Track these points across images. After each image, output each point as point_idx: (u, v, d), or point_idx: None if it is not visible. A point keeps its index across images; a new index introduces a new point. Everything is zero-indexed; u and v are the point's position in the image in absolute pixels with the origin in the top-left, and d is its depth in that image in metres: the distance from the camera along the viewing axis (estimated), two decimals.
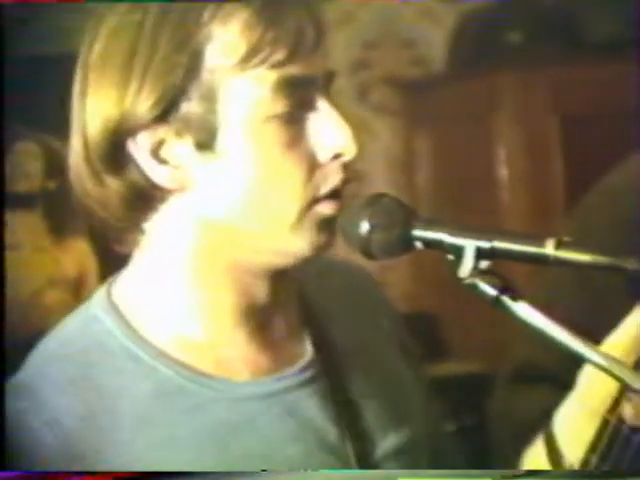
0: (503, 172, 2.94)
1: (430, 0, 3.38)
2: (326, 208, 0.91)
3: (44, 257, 2.85)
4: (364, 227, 0.89)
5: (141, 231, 0.94)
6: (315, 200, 0.91)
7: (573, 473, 0.97)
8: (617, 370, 0.83)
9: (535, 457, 1.03)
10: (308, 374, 0.96)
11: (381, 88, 3.37)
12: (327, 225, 0.92)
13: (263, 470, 0.94)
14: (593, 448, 0.96)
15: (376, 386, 1.01)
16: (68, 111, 0.95)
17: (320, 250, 0.93)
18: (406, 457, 0.99)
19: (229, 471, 0.92)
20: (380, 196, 0.91)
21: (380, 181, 3.25)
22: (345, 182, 0.92)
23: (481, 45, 3.05)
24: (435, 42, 3.33)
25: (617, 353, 0.94)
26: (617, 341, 0.97)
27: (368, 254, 0.90)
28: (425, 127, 3.27)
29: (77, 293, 2.85)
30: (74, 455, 0.88)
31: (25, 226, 2.86)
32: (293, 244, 0.92)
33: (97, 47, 0.91)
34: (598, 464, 0.95)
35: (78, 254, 2.84)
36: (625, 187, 1.43)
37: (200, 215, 0.92)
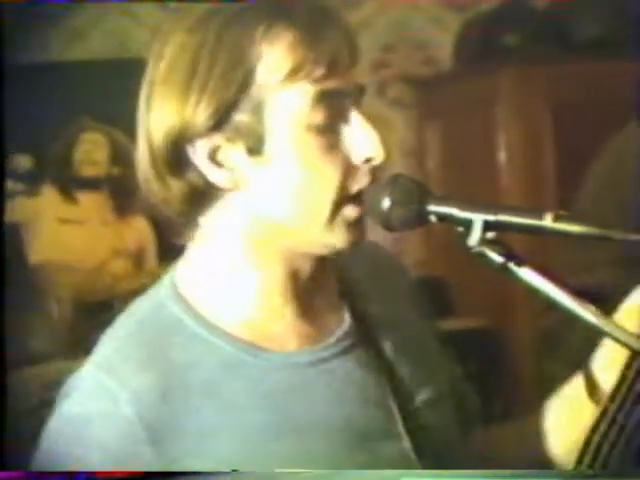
0: (503, 157, 2.91)
1: (439, 8, 3.35)
2: (352, 212, 0.90)
3: (109, 231, 2.85)
4: (385, 203, 0.88)
5: (197, 225, 0.93)
6: (345, 198, 0.90)
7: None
8: (618, 334, 0.81)
9: (575, 386, 0.99)
10: (347, 342, 0.95)
11: (397, 85, 3.34)
12: (355, 225, 0.91)
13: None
14: (612, 399, 0.93)
15: (406, 347, 0.99)
16: (131, 109, 0.93)
17: (352, 244, 0.92)
18: (437, 405, 0.98)
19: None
20: (399, 176, 0.90)
21: (396, 167, 3.19)
22: (373, 182, 0.91)
23: (483, 47, 3.03)
24: (443, 44, 3.29)
25: (631, 318, 0.91)
26: (630, 307, 0.93)
27: (389, 227, 0.89)
28: (435, 119, 3.24)
29: (138, 264, 2.85)
30: (151, 426, 0.86)
31: (93, 204, 2.86)
32: (329, 239, 0.90)
33: (162, 64, 0.90)
34: (614, 414, 0.92)
35: (139, 230, 2.84)
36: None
37: (252, 211, 0.90)
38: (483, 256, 0.83)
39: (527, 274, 0.82)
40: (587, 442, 0.92)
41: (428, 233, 3.01)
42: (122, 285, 2.65)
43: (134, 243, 2.84)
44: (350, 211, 0.90)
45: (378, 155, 0.90)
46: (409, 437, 0.93)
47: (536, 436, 1.02)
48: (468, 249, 0.83)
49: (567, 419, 0.99)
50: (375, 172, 0.91)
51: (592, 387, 0.96)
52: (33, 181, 2.81)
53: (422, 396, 0.97)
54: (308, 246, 0.91)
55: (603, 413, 0.92)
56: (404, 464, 0.93)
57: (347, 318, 0.97)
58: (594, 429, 0.92)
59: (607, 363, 0.95)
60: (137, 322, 0.93)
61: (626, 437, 0.91)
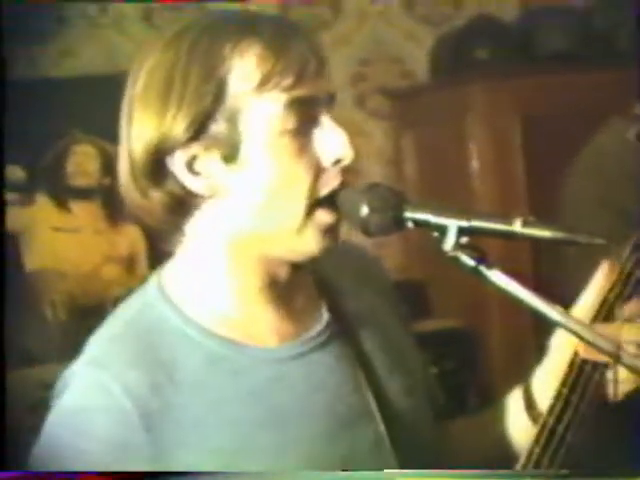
0: (474, 165, 2.92)
1: (413, 24, 3.35)
2: (326, 216, 0.90)
3: (102, 238, 2.84)
4: (364, 210, 0.88)
5: (182, 233, 0.93)
6: (317, 202, 0.89)
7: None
8: (585, 334, 0.82)
9: (514, 401, 1.01)
10: (324, 336, 0.95)
11: (375, 97, 3.34)
12: (329, 231, 0.91)
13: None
14: (564, 383, 0.94)
15: (381, 342, 1.00)
16: (119, 122, 0.93)
17: (326, 250, 0.91)
18: (411, 392, 0.99)
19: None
20: (377, 185, 0.90)
21: (374, 175, 3.21)
22: (343, 184, 0.90)
23: (456, 60, 3.04)
24: (418, 58, 3.30)
25: (586, 313, 0.93)
26: (586, 302, 0.95)
27: (367, 232, 0.89)
28: (411, 129, 3.24)
29: (130, 269, 2.84)
30: (145, 416, 0.87)
31: (86, 213, 2.85)
32: (303, 245, 0.90)
33: (140, 83, 0.90)
34: (568, 395, 0.94)
35: (130, 237, 2.82)
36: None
37: (229, 218, 0.91)
38: (457, 260, 0.83)
39: (497, 276, 0.83)
40: (529, 454, 0.93)
41: (407, 239, 3.02)
42: (114, 290, 2.64)
43: (126, 250, 2.83)
44: (323, 216, 0.90)
45: (347, 156, 0.89)
46: (384, 422, 0.94)
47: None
48: (444, 253, 0.84)
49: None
50: (346, 174, 0.90)
51: (529, 400, 0.98)
52: (27, 191, 2.80)
53: (395, 386, 0.98)
54: (282, 253, 0.91)
55: (543, 426, 0.94)
56: (379, 449, 0.93)
57: (325, 314, 0.97)
58: (536, 440, 0.93)
59: (546, 378, 0.98)
60: (125, 322, 0.93)
61: (565, 445, 0.93)
